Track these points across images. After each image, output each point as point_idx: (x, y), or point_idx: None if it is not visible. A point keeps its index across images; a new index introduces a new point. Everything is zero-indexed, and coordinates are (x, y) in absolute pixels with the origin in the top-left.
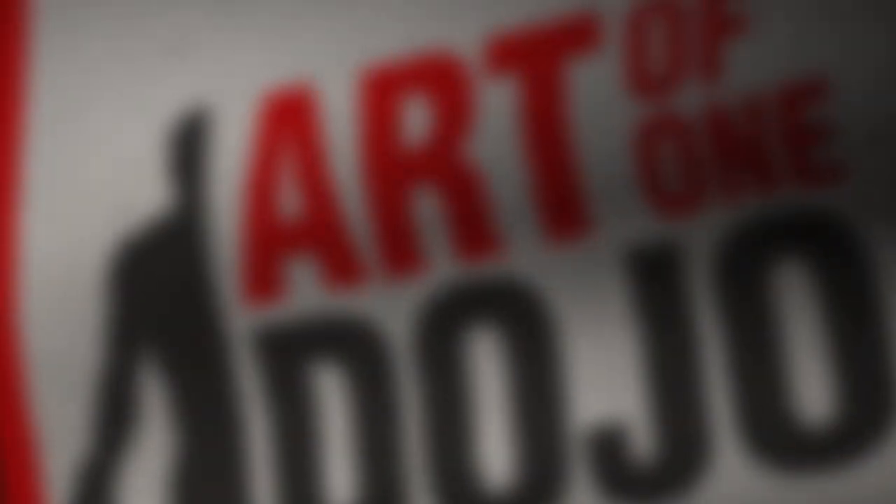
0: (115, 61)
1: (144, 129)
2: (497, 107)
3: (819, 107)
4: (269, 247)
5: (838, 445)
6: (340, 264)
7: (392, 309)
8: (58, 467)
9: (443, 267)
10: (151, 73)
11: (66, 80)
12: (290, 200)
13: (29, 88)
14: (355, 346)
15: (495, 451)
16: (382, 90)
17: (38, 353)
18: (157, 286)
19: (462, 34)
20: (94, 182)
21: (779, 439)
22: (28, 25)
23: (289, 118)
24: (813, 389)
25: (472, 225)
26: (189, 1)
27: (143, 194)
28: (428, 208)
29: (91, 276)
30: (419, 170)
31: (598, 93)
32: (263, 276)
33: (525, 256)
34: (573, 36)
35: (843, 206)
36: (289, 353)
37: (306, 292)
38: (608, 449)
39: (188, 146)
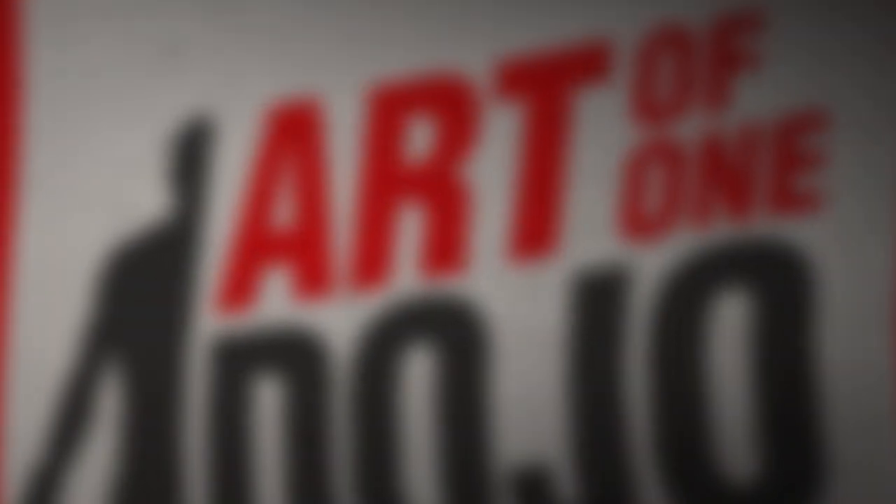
0: (112, 63)
1: (143, 134)
2: (501, 132)
3: (814, 136)
4: (251, 257)
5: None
6: (311, 276)
7: (343, 323)
8: (17, 468)
9: (404, 284)
10: (150, 77)
11: (63, 82)
12: (282, 213)
13: (26, 90)
14: (299, 359)
15: (419, 479)
16: (389, 108)
17: (20, 353)
18: (139, 292)
19: (472, 57)
20: (92, 185)
21: (700, 490)
22: (22, 27)
23: (294, 131)
24: (740, 440)
25: (444, 244)
26: (185, 4)
27: (141, 200)
28: (410, 225)
29: (80, 280)
30: (411, 186)
31: (599, 119)
32: (239, 286)
33: (482, 277)
34: (583, 64)
35: (809, 239)
36: (239, 363)
37: (274, 303)
38: (530, 492)
39: (189, 153)
